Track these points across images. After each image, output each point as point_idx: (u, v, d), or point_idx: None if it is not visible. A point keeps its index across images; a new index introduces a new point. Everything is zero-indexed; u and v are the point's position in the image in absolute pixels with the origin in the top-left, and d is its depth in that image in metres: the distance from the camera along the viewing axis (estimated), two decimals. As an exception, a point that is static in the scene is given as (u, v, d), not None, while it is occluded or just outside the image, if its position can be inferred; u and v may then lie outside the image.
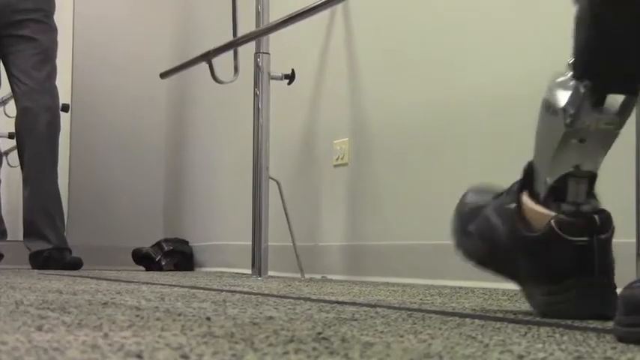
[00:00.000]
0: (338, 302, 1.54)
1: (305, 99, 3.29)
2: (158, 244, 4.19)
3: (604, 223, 1.27)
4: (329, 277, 2.98)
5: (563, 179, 1.28)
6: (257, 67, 3.09)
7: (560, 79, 1.35)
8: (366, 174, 2.93)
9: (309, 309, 1.34)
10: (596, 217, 1.26)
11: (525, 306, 1.50)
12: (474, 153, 2.47)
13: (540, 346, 0.86)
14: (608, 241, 1.28)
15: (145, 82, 4.54)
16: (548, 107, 1.39)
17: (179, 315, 1.18)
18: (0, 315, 1.15)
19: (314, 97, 3.25)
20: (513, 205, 1.31)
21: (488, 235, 1.35)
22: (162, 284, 2.29)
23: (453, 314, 1.29)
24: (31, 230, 3.89)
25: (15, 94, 3.90)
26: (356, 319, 1.15)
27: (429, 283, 2.49)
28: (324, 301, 1.58)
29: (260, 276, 2.99)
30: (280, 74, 3.15)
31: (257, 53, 3.09)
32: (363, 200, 2.93)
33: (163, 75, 3.79)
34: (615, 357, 0.79)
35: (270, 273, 3.06)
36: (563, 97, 1.33)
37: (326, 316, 1.19)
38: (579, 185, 1.28)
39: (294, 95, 3.29)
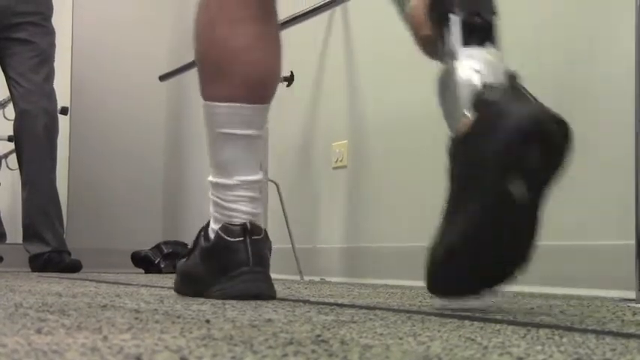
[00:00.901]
0: (337, 304, 1.54)
1: (304, 101, 3.29)
2: (157, 247, 4.19)
3: (255, 228, 1.63)
4: (328, 279, 2.98)
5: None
6: (256, 70, 3.09)
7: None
8: (365, 176, 2.93)
9: (308, 311, 1.34)
10: (248, 224, 1.63)
11: (526, 307, 1.50)
12: (472, 155, 2.48)
13: (539, 348, 0.86)
14: (260, 240, 1.62)
15: (144, 85, 4.54)
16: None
17: (178, 317, 1.18)
18: (-1, 318, 1.15)
19: (313, 100, 3.25)
20: (202, 232, 1.75)
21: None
22: (162, 287, 2.29)
23: (452, 316, 1.29)
24: (30, 233, 3.89)
25: (13, 97, 3.91)
26: (355, 322, 1.15)
27: (428, 285, 2.49)
28: (323, 303, 1.58)
29: (259, 278, 2.99)
30: (279, 76, 3.15)
31: (256, 55, 3.09)
32: (362, 202, 2.93)
33: (162, 78, 3.80)
34: (614, 359, 0.79)
35: (270, 275, 3.05)
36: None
37: (325, 319, 1.19)
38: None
39: (292, 97, 3.29)
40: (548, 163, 1.32)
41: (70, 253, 3.92)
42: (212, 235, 1.70)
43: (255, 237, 1.63)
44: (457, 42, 1.45)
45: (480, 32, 1.48)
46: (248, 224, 1.64)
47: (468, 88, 1.41)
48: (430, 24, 1.54)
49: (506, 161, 1.27)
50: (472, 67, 1.42)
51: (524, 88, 1.41)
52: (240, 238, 1.63)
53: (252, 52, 1.70)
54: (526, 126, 1.26)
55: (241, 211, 1.69)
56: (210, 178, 1.78)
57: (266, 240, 1.66)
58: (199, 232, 1.78)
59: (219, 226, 1.68)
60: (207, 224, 1.76)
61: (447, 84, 1.49)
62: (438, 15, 1.50)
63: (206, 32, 1.72)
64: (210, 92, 1.74)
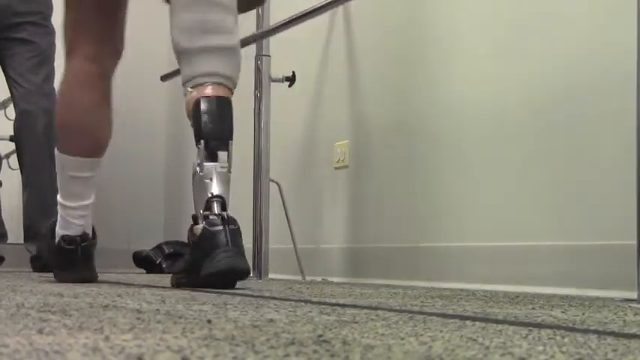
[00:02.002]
0: (339, 305, 1.54)
1: (306, 101, 3.29)
2: (159, 247, 4.19)
3: (231, 219, 2.08)
4: (330, 279, 2.98)
5: (207, 203, 2.10)
6: (258, 70, 3.09)
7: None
8: (367, 176, 2.93)
9: (310, 311, 1.34)
10: (225, 214, 2.07)
11: (527, 308, 1.50)
12: (474, 155, 2.47)
13: (541, 348, 0.86)
14: (237, 230, 2.07)
15: (146, 85, 4.54)
16: (193, 170, 2.16)
17: (180, 318, 1.18)
18: (1, 318, 1.15)
19: (315, 100, 3.25)
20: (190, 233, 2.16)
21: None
22: (163, 287, 2.29)
23: (454, 316, 1.29)
24: (31, 233, 3.89)
25: (13, 97, 3.91)
26: (357, 322, 1.15)
27: (429, 285, 2.49)
28: (325, 303, 1.58)
29: (261, 278, 2.99)
30: (281, 76, 3.15)
31: (258, 56, 3.09)
32: (364, 202, 2.93)
33: (164, 78, 3.80)
34: (616, 359, 0.79)
35: (271, 275, 3.05)
36: (195, 159, 2.18)
37: (327, 319, 1.19)
38: (215, 204, 2.10)
39: (294, 97, 3.29)
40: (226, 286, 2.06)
41: None
42: (57, 239, 2.49)
43: (84, 243, 2.47)
44: (202, 155, 2.15)
45: (213, 156, 2.17)
46: (81, 236, 2.46)
47: (203, 194, 2.13)
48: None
49: (207, 278, 2.06)
50: (208, 177, 2.15)
51: (234, 225, 2.09)
52: (72, 246, 2.46)
53: (96, 131, 2.49)
54: (216, 272, 2.04)
55: (77, 224, 2.48)
56: (61, 201, 2.48)
57: (91, 242, 2.49)
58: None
59: (63, 233, 2.46)
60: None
61: (195, 178, 2.17)
62: (195, 135, 2.19)
63: (63, 112, 2.48)
64: (64, 148, 2.47)
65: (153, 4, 4.87)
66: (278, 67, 3.13)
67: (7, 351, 0.75)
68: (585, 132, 2.14)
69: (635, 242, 1.70)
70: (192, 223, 2.13)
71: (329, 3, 2.69)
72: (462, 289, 2.24)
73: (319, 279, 3.02)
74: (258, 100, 3.08)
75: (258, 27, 3.12)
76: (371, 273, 2.84)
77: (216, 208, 2.10)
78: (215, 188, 2.13)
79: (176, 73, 3.72)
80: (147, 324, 1.06)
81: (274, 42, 3.11)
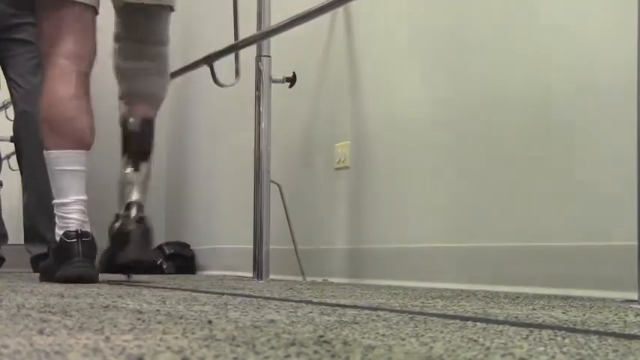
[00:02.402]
0: (339, 305, 1.54)
1: (306, 102, 3.29)
2: (159, 248, 4.19)
3: (84, 233, 2.53)
4: (330, 280, 2.98)
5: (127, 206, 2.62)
6: (258, 71, 3.09)
7: None
8: (368, 177, 2.93)
9: (311, 312, 1.34)
10: (80, 230, 2.53)
11: (528, 309, 1.50)
12: (475, 156, 2.47)
13: (542, 349, 0.86)
14: (89, 241, 2.53)
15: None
16: (120, 177, 2.66)
17: (180, 318, 1.18)
18: (2, 318, 1.15)
19: (315, 100, 3.25)
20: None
21: None
22: (164, 287, 2.29)
23: (455, 317, 1.29)
24: (31, 233, 3.89)
25: (13, 98, 3.90)
26: (357, 323, 1.15)
27: (430, 286, 2.49)
28: (326, 304, 1.58)
29: (261, 279, 2.99)
30: (282, 77, 3.15)
31: (258, 56, 3.09)
32: (365, 203, 2.93)
33: (164, 78, 3.79)
34: (617, 360, 0.79)
35: (272, 276, 3.05)
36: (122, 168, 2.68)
37: (327, 320, 1.19)
38: (133, 207, 2.62)
39: (295, 98, 3.29)
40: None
41: None
42: (57, 239, 2.56)
43: (84, 239, 2.52)
44: (126, 164, 2.72)
45: (136, 167, 2.66)
46: (80, 230, 2.53)
47: (125, 199, 2.66)
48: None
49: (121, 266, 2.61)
50: (131, 184, 2.66)
51: (145, 225, 2.60)
52: (74, 240, 2.51)
53: (77, 122, 2.59)
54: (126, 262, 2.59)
55: (75, 219, 2.56)
56: (56, 201, 2.61)
57: (92, 240, 2.56)
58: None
59: (62, 232, 2.54)
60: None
61: (121, 181, 2.68)
62: (122, 148, 2.79)
63: (45, 108, 2.60)
64: (49, 144, 2.60)
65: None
66: (278, 68, 3.13)
67: (7, 352, 0.75)
68: (586, 132, 2.14)
69: (635, 243, 1.70)
70: (115, 216, 2.68)
71: (330, 4, 2.69)
72: (462, 290, 2.24)
73: (320, 280, 3.02)
74: (258, 100, 3.08)
75: (258, 28, 3.12)
76: (372, 274, 2.84)
77: (133, 211, 2.63)
78: (134, 195, 2.66)
79: (176, 73, 3.73)
80: (147, 324, 1.06)
81: (275, 43, 3.11)
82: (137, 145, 2.73)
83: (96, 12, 2.72)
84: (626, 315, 1.38)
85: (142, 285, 2.46)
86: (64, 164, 2.59)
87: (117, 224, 2.66)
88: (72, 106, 2.59)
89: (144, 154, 2.73)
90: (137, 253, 2.59)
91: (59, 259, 2.53)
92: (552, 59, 2.25)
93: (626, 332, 1.09)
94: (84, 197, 2.59)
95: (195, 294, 1.93)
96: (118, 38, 2.83)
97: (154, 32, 2.80)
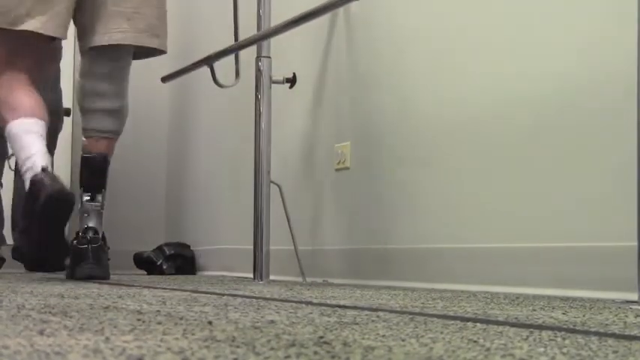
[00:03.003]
0: (339, 306, 1.54)
1: (306, 103, 3.29)
2: (159, 248, 4.19)
3: (94, 239, 3.06)
4: (330, 280, 2.98)
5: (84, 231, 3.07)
6: (258, 71, 3.09)
7: None
8: (368, 178, 2.93)
9: (311, 313, 1.34)
10: (89, 236, 3.07)
11: (528, 310, 1.50)
12: (476, 157, 2.47)
13: (542, 349, 0.86)
14: (102, 248, 3.08)
15: (146, 87, 4.54)
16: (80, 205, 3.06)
17: (181, 319, 1.18)
18: (2, 319, 1.15)
19: (315, 101, 3.26)
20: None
21: None
22: (164, 288, 2.29)
23: (455, 318, 1.29)
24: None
25: None
26: (357, 323, 1.15)
27: (430, 286, 2.49)
28: (326, 305, 1.58)
29: (261, 280, 2.99)
30: (282, 78, 3.15)
31: (258, 57, 3.09)
32: (365, 204, 2.93)
33: (164, 79, 3.79)
34: (617, 361, 0.79)
35: (272, 277, 3.05)
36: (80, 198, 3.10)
37: (327, 320, 1.19)
38: (89, 232, 3.06)
39: (295, 99, 3.29)
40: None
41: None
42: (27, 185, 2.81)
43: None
44: (84, 199, 3.14)
45: (92, 198, 3.13)
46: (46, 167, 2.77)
47: (82, 224, 3.07)
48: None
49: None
50: (87, 212, 3.09)
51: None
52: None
53: (32, 103, 2.90)
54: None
55: (41, 159, 2.79)
56: (23, 157, 2.83)
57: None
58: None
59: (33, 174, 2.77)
60: None
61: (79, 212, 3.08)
62: (80, 182, 3.18)
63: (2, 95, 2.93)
64: (8, 118, 2.87)
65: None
66: (279, 69, 3.13)
67: (7, 352, 0.75)
68: (586, 133, 2.14)
69: (635, 244, 1.70)
70: (73, 237, 3.10)
71: (330, 4, 2.69)
72: (462, 291, 2.24)
73: (320, 280, 3.02)
74: (258, 101, 3.08)
75: (258, 28, 3.12)
76: (372, 274, 2.84)
77: (89, 234, 3.03)
78: (90, 221, 3.07)
79: (177, 74, 3.73)
80: (147, 325, 1.06)
81: (275, 43, 3.11)
82: (93, 178, 3.13)
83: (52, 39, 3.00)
84: (626, 316, 1.38)
85: (142, 286, 2.46)
86: (26, 131, 2.83)
87: (75, 242, 3.04)
88: (30, 96, 2.92)
89: (99, 187, 3.13)
90: (90, 270, 2.97)
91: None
92: (552, 59, 2.25)
93: (626, 333, 1.09)
94: (43, 148, 2.82)
95: (195, 295, 1.93)
96: (82, 75, 3.17)
97: (115, 71, 3.15)
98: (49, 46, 3.09)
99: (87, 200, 3.10)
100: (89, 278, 2.91)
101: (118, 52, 3.12)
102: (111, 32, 3.02)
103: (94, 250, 3.01)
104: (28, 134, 2.81)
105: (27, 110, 2.87)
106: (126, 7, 3.04)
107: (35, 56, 3.01)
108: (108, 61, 3.13)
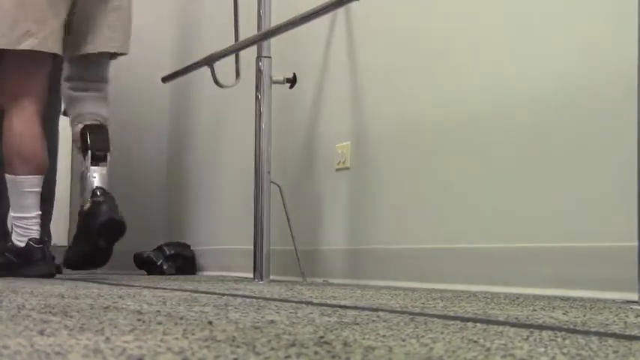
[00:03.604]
0: (340, 306, 1.54)
1: (307, 103, 3.29)
2: (160, 248, 4.19)
3: (42, 240, 3.28)
4: (331, 281, 2.98)
5: (93, 192, 3.23)
6: (259, 71, 3.09)
7: None
8: (368, 178, 2.93)
9: (311, 313, 1.34)
10: (40, 237, 3.29)
11: (528, 310, 1.50)
12: (476, 157, 2.47)
13: (542, 349, 0.86)
14: (46, 246, 3.31)
15: (147, 87, 4.54)
16: (82, 170, 3.31)
17: (181, 319, 1.18)
18: (2, 319, 1.15)
19: (316, 101, 3.26)
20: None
21: None
22: (164, 288, 2.29)
23: (455, 318, 1.29)
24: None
25: None
26: (358, 323, 1.15)
27: (430, 287, 2.49)
28: (326, 305, 1.58)
29: (262, 280, 2.99)
30: (282, 78, 3.15)
31: (259, 57, 3.09)
32: (365, 204, 2.93)
33: (165, 79, 3.79)
34: (617, 361, 0.79)
35: (272, 277, 3.05)
36: (83, 164, 3.33)
37: (328, 320, 1.19)
38: (98, 191, 3.26)
39: (295, 99, 3.29)
40: (112, 238, 3.17)
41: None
42: (21, 245, 3.19)
43: (42, 245, 3.20)
44: (88, 162, 3.22)
45: (98, 159, 3.23)
46: (40, 237, 3.20)
47: (90, 186, 3.21)
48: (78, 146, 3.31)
49: (99, 230, 3.13)
50: (93, 176, 3.22)
51: (112, 197, 3.19)
52: (40, 245, 3.19)
53: (41, 155, 3.24)
54: (105, 220, 3.12)
55: (35, 230, 3.20)
56: (18, 215, 3.22)
57: (49, 245, 3.39)
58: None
59: (26, 239, 3.19)
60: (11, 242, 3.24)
61: (83, 178, 3.25)
62: (82, 147, 3.27)
63: (19, 143, 3.21)
64: (21, 170, 3.20)
65: (154, 6, 4.86)
66: (279, 69, 3.13)
67: (7, 352, 0.75)
68: (585, 133, 2.14)
69: (635, 244, 1.70)
70: (82, 205, 3.26)
71: (330, 4, 2.69)
72: (463, 291, 2.24)
73: (320, 280, 3.02)
74: (259, 101, 3.08)
75: (259, 28, 3.12)
76: (372, 274, 2.84)
77: (98, 194, 3.19)
78: (98, 182, 3.22)
79: (177, 74, 3.73)
80: (148, 325, 1.06)
81: (275, 43, 3.11)
82: (99, 141, 3.35)
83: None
84: (627, 316, 1.38)
85: (142, 286, 2.46)
86: (29, 187, 3.21)
87: (87, 205, 3.22)
88: (38, 144, 3.23)
89: (107, 148, 3.35)
90: (111, 213, 3.16)
91: (25, 261, 3.18)
92: (552, 59, 2.25)
93: (626, 333, 1.09)
94: (40, 212, 3.24)
95: (195, 295, 1.93)
96: (68, 79, 3.41)
97: (98, 74, 3.42)
98: (49, 70, 3.32)
99: (92, 164, 3.30)
100: (112, 222, 3.19)
101: (105, 57, 3.42)
102: (106, 41, 3.34)
103: (112, 199, 3.23)
104: (30, 196, 3.22)
105: (38, 167, 3.24)
106: (114, 19, 3.35)
107: (41, 82, 3.27)
108: (97, 67, 3.42)
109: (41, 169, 3.26)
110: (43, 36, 3.14)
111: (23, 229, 3.20)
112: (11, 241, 3.24)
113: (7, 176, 3.24)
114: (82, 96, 3.37)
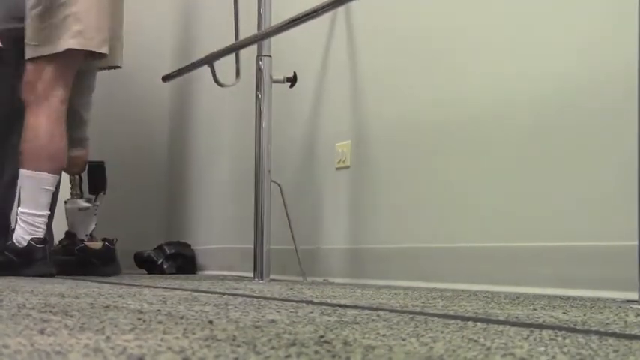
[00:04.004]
0: (340, 305, 1.54)
1: (307, 102, 3.29)
2: (160, 248, 4.19)
3: (49, 239, 3.35)
4: (331, 280, 2.98)
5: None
6: (259, 70, 3.09)
7: None
8: (368, 177, 2.93)
9: (311, 312, 1.34)
10: (46, 236, 3.33)
11: (528, 309, 1.50)
12: (476, 156, 2.47)
13: (543, 349, 0.86)
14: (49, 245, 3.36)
15: (147, 86, 4.55)
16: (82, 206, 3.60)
17: (181, 318, 1.18)
18: (2, 318, 1.15)
19: (316, 100, 3.26)
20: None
21: None
22: (165, 287, 2.29)
23: (455, 317, 1.29)
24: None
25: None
26: (358, 322, 1.15)
27: (430, 286, 2.50)
28: (326, 304, 1.58)
29: (262, 279, 2.99)
30: (282, 77, 3.15)
31: (259, 56, 3.09)
32: (365, 203, 2.93)
33: (165, 78, 3.79)
34: (617, 360, 0.79)
35: (272, 276, 3.05)
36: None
37: (328, 319, 1.19)
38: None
39: (296, 98, 3.29)
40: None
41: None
42: (24, 243, 3.22)
43: (44, 244, 3.25)
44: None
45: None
46: (43, 237, 3.25)
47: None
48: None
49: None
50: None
51: None
52: (42, 245, 3.23)
53: (64, 155, 3.34)
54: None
55: (42, 229, 3.25)
56: (32, 212, 3.24)
57: (52, 245, 3.44)
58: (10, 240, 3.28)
59: (30, 237, 3.23)
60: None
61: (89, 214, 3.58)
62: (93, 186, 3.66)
63: (48, 141, 3.27)
64: (46, 168, 3.26)
65: (154, 6, 4.86)
66: (279, 68, 3.13)
67: (8, 351, 0.75)
68: (586, 132, 2.14)
69: (636, 243, 1.70)
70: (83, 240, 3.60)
71: (330, 3, 2.69)
72: (463, 290, 2.24)
73: (320, 280, 3.02)
74: (259, 100, 3.08)
75: (259, 27, 3.12)
76: (372, 274, 2.84)
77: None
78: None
79: (177, 73, 3.73)
80: (148, 324, 1.06)
81: (275, 42, 3.11)
82: (100, 181, 3.74)
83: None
84: (627, 315, 1.38)
85: (142, 285, 2.46)
86: (49, 185, 3.28)
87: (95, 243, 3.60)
88: (64, 144, 3.33)
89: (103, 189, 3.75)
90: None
91: (26, 260, 3.21)
92: (552, 59, 2.25)
93: (626, 332, 1.09)
94: (49, 213, 3.34)
95: (195, 294, 1.93)
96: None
97: (90, 85, 3.58)
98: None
99: (95, 205, 3.65)
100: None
101: (94, 66, 3.54)
102: (120, 55, 3.50)
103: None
104: (47, 195, 3.29)
105: (60, 167, 3.35)
106: (121, 32, 3.48)
107: (70, 84, 3.36)
108: (92, 76, 3.60)
109: (61, 170, 3.37)
110: (106, 40, 3.32)
111: (30, 226, 3.23)
112: (12, 239, 3.24)
113: (27, 172, 3.25)
114: (85, 117, 3.58)
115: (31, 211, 3.23)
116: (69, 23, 3.21)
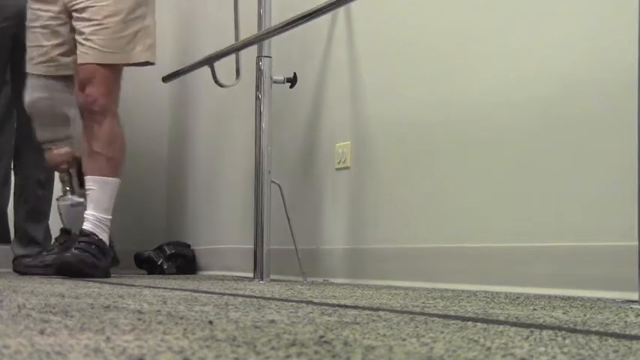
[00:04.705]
0: (340, 306, 1.54)
1: (307, 102, 3.29)
2: (160, 248, 4.19)
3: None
4: (331, 280, 2.98)
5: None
6: (259, 71, 3.09)
7: None
8: (368, 177, 2.93)
9: (311, 312, 1.34)
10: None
11: (528, 309, 1.50)
12: (476, 157, 2.48)
13: (543, 349, 0.86)
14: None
15: (147, 86, 4.54)
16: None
17: (181, 318, 1.18)
18: (2, 319, 1.15)
19: (316, 101, 3.26)
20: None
21: None
22: (165, 288, 2.29)
23: (455, 317, 1.29)
24: (23, 236, 3.90)
25: (18, 101, 3.89)
26: (358, 323, 1.15)
27: (430, 286, 2.50)
28: (326, 304, 1.58)
29: (262, 279, 2.99)
30: (282, 78, 3.15)
31: (259, 57, 3.09)
32: (365, 203, 2.93)
33: (165, 79, 3.79)
34: (617, 360, 0.79)
35: (272, 276, 3.05)
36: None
37: (328, 320, 1.19)
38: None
39: (296, 99, 3.29)
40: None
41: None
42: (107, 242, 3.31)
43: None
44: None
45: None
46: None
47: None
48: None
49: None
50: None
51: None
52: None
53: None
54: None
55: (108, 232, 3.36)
56: (109, 217, 3.35)
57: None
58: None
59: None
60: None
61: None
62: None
63: (121, 147, 3.36)
64: (119, 175, 3.34)
65: (156, 6, 4.84)
66: (279, 69, 3.13)
67: (8, 352, 0.75)
68: (586, 132, 2.14)
69: (636, 243, 1.70)
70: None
71: (330, 4, 2.69)
72: (463, 290, 2.24)
73: (320, 280, 3.02)
74: (259, 101, 3.08)
75: (259, 28, 3.12)
76: (372, 274, 2.84)
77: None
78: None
79: (177, 74, 3.73)
80: (148, 325, 1.06)
81: (275, 43, 3.11)
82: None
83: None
84: (627, 315, 1.38)
85: (142, 285, 2.46)
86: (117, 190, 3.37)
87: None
88: (125, 149, 3.42)
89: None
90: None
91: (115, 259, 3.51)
92: (552, 59, 2.25)
93: (626, 333, 1.09)
94: None
95: (195, 294, 1.93)
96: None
97: (73, 85, 3.52)
98: None
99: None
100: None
101: None
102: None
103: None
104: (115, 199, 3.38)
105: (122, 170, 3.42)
106: None
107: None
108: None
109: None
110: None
111: (108, 230, 3.33)
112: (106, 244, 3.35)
113: (112, 179, 3.31)
114: (68, 114, 3.58)
115: (109, 217, 3.33)
116: (141, 36, 3.33)
